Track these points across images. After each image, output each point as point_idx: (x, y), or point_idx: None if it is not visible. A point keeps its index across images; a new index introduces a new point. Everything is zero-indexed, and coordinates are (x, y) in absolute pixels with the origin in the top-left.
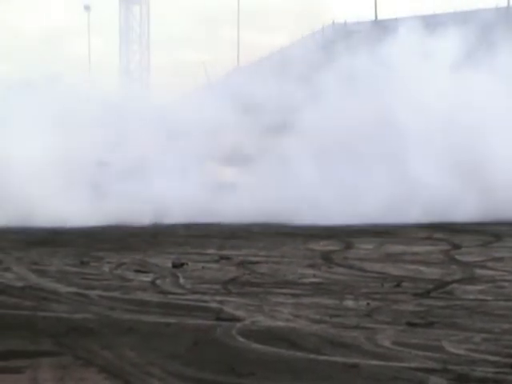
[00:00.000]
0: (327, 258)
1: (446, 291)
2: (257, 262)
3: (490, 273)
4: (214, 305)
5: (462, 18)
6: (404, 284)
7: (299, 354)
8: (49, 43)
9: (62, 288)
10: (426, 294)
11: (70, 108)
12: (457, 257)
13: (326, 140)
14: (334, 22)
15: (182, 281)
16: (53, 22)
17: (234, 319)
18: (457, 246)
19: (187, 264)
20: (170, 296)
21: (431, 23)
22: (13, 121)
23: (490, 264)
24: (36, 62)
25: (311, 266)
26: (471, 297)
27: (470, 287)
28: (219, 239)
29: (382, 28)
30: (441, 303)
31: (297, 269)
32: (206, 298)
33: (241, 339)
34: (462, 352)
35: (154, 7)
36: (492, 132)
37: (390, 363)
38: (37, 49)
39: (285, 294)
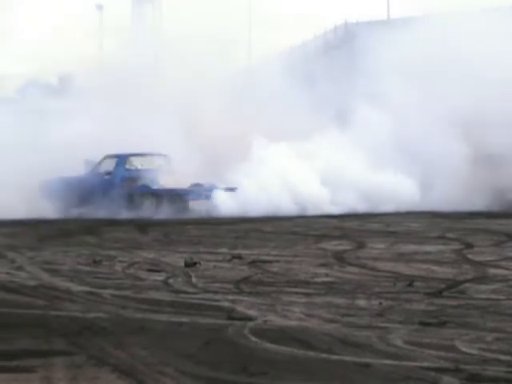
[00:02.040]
0: (339, 257)
1: (458, 290)
2: (269, 261)
3: (503, 272)
4: (226, 304)
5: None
6: (416, 283)
7: (311, 353)
8: (61, 42)
9: (75, 287)
10: (439, 293)
11: None
12: (469, 256)
13: None
14: (346, 22)
15: (194, 280)
16: (65, 21)
17: (246, 318)
18: (469, 246)
19: (199, 263)
20: (183, 295)
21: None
22: None
23: (502, 263)
24: (49, 62)
25: (323, 265)
26: (484, 296)
27: (482, 287)
28: (231, 239)
29: (394, 27)
30: (453, 302)
31: (309, 268)
32: (218, 297)
33: (253, 338)
34: (474, 351)
35: (167, 6)
36: None
37: (403, 362)
38: (49, 48)
39: (297, 293)
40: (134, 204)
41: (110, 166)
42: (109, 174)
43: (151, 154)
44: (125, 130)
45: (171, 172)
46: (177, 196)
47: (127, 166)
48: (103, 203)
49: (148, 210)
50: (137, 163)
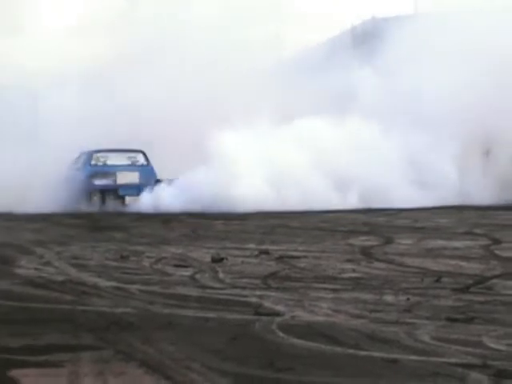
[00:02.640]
0: (367, 252)
1: (485, 286)
2: (296, 257)
3: None
4: (253, 299)
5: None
6: (444, 279)
7: (338, 349)
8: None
9: (102, 282)
10: (466, 289)
11: None
12: (497, 252)
13: None
14: (373, 17)
15: (221, 275)
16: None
17: (274, 314)
18: (497, 241)
19: (227, 258)
20: (210, 290)
21: None
22: None
23: None
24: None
25: (351, 260)
26: (511, 292)
27: (510, 282)
28: (258, 234)
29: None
30: (481, 298)
31: (336, 264)
32: (246, 292)
33: (280, 334)
34: (502, 347)
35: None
36: None
37: (430, 358)
38: (68, 45)
39: (324, 289)
40: (90, 200)
41: (81, 161)
42: (78, 169)
43: (125, 150)
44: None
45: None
46: (112, 191)
47: (93, 162)
48: (67, 198)
49: (94, 205)
50: (105, 159)
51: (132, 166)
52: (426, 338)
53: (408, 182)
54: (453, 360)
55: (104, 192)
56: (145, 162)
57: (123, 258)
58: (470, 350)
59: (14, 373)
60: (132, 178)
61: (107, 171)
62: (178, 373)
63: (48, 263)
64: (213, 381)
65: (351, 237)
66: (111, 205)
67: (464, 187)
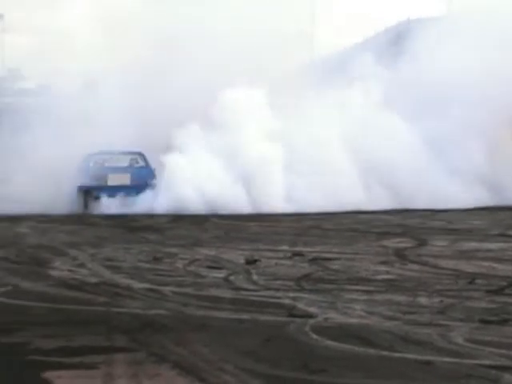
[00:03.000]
0: (400, 254)
1: None
2: (330, 259)
3: None
4: (286, 301)
5: None
6: (477, 281)
7: (372, 350)
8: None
9: (136, 284)
10: (500, 291)
11: None
12: None
13: None
14: (409, 18)
15: (255, 277)
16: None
17: (307, 316)
18: None
19: (260, 260)
20: (243, 292)
21: None
22: None
23: None
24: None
25: (384, 262)
26: None
27: None
28: (291, 236)
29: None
30: None
31: (370, 265)
32: (279, 294)
33: (313, 336)
34: None
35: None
36: None
37: (464, 360)
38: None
39: (358, 291)
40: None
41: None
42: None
43: (124, 153)
44: None
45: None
46: (89, 193)
47: (90, 164)
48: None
49: (80, 206)
50: (103, 162)
51: (126, 168)
52: (460, 340)
53: (444, 179)
54: (486, 362)
55: (89, 193)
56: (143, 164)
57: (156, 259)
58: (503, 351)
59: (48, 374)
60: (123, 179)
61: (100, 173)
62: (212, 374)
63: (82, 265)
64: (246, 382)
65: (385, 238)
66: (92, 206)
67: (498, 183)
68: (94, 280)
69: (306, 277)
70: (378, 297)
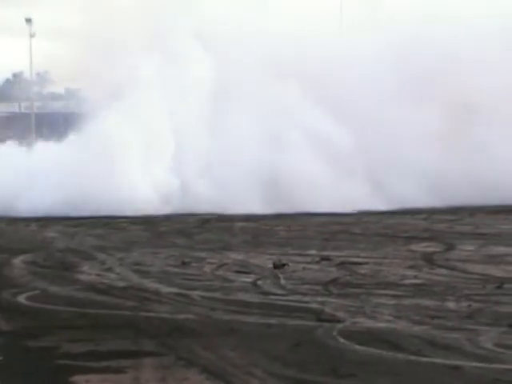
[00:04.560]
0: (428, 259)
1: None
2: (358, 263)
3: None
4: (314, 306)
5: None
6: (506, 285)
7: (400, 355)
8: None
9: (164, 288)
10: None
11: None
12: None
13: None
14: None
15: (283, 282)
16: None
17: (335, 320)
18: None
19: (288, 265)
20: (271, 297)
21: None
22: None
23: None
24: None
25: (412, 267)
26: None
27: None
28: (320, 240)
29: None
30: None
31: (398, 270)
32: (307, 298)
33: (342, 340)
34: None
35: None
36: None
37: (492, 365)
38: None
39: (386, 295)
40: None
41: None
42: None
43: None
44: None
45: None
46: None
47: None
48: None
49: None
50: None
51: None
52: (488, 345)
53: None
54: None
55: None
56: None
57: (184, 264)
58: None
59: (76, 378)
60: None
61: None
62: (240, 379)
63: (110, 269)
64: None
65: (412, 243)
66: None
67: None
68: (121, 284)
69: (334, 281)
70: (406, 301)
